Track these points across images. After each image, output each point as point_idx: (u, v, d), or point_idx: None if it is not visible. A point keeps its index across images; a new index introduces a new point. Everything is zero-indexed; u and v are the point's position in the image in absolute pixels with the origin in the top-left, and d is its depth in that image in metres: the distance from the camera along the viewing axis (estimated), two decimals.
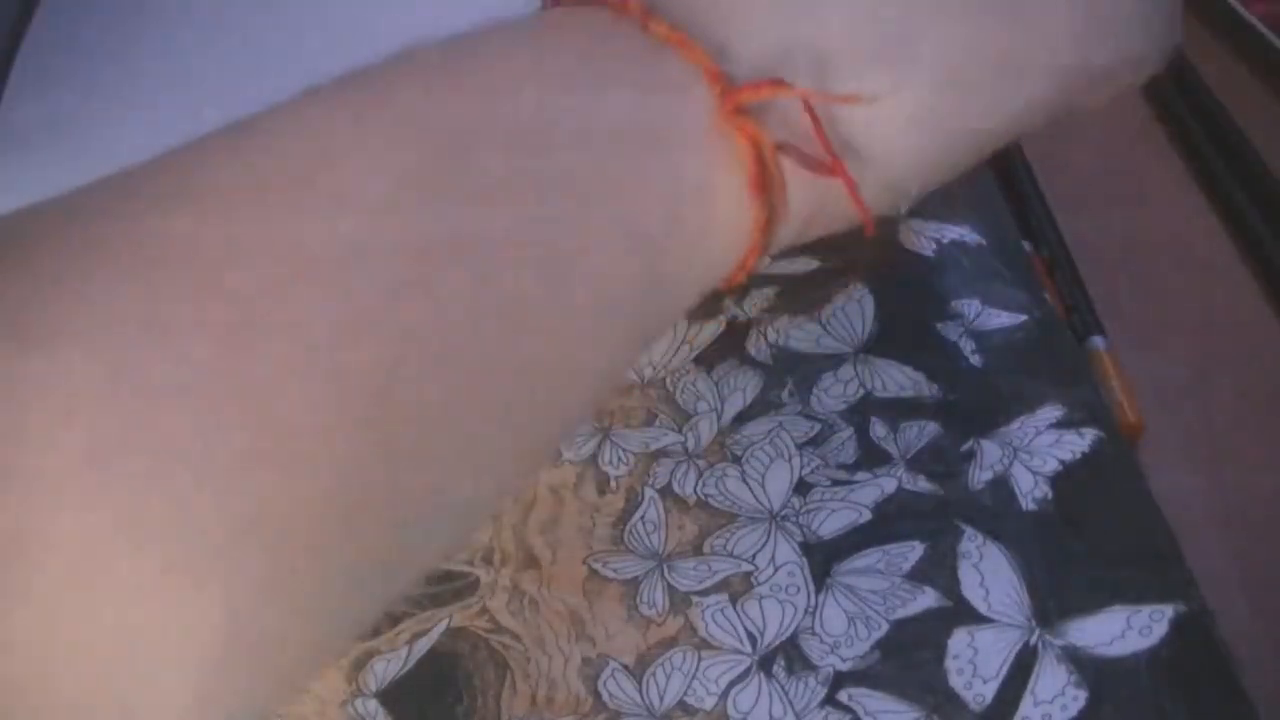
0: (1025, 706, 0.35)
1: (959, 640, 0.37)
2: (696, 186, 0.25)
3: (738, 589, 0.38)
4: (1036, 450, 0.41)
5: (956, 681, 0.36)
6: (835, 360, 0.44)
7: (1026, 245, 0.48)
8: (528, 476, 0.26)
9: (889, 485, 0.40)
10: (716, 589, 0.38)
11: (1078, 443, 0.41)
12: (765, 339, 0.45)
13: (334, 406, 0.19)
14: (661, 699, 0.36)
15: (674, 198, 0.25)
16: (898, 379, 0.43)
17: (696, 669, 0.37)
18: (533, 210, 0.22)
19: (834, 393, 0.43)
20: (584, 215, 0.23)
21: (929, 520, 0.39)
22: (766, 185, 0.26)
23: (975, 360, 0.44)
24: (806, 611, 0.38)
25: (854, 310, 0.45)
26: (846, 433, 0.42)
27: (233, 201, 0.19)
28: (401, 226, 0.20)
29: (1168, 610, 0.37)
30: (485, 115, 0.22)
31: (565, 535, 0.40)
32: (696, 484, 0.41)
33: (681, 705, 0.36)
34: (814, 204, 0.27)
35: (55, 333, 0.17)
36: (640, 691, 0.37)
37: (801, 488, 0.41)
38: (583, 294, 0.23)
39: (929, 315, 0.45)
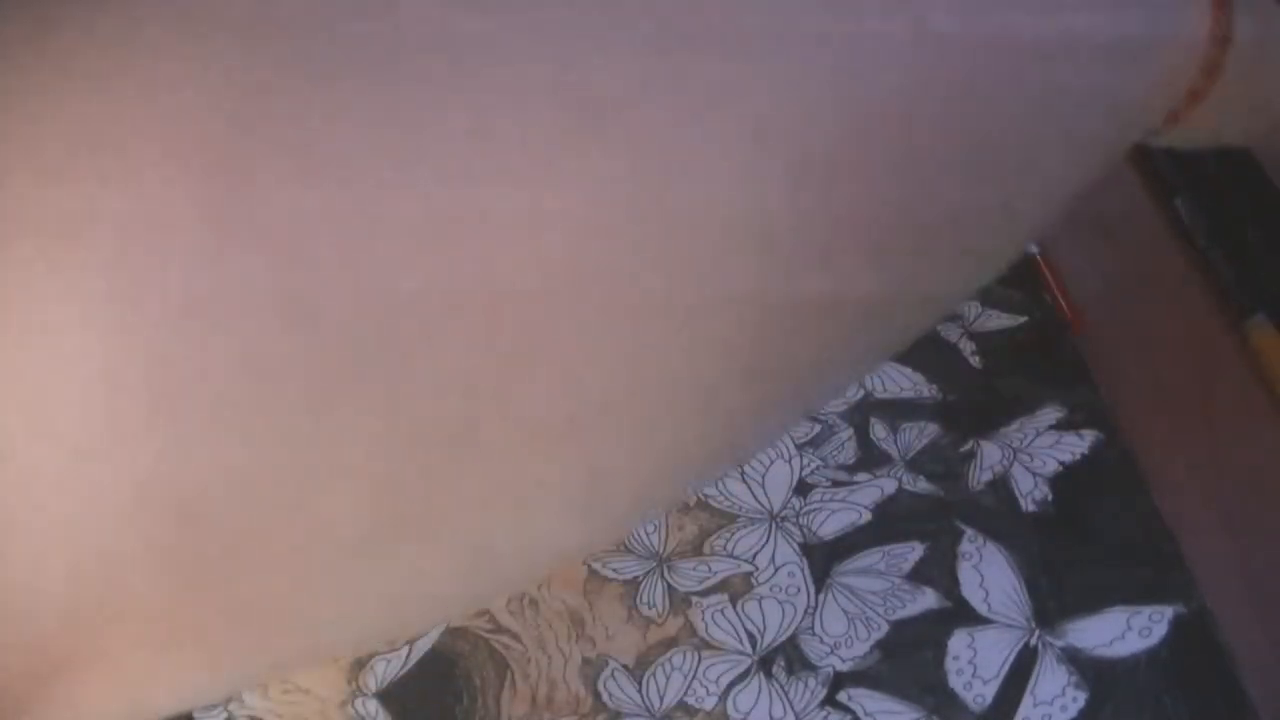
0: (1025, 707, 0.35)
1: (959, 641, 0.37)
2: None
3: (738, 589, 0.38)
4: (1036, 451, 0.41)
5: (956, 682, 0.36)
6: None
7: (1032, 247, 0.48)
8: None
9: (889, 486, 0.40)
10: (716, 589, 0.38)
11: (1077, 444, 0.41)
12: None
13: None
14: (661, 699, 0.36)
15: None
16: (897, 380, 0.43)
17: (696, 669, 0.37)
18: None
19: None
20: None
21: (929, 521, 0.39)
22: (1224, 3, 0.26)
23: (975, 361, 0.44)
24: (806, 612, 0.38)
25: None
26: (846, 433, 0.42)
27: None
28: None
29: (1168, 610, 0.37)
30: None
31: None
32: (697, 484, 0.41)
33: (681, 705, 0.36)
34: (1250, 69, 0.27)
35: None
36: (640, 691, 0.36)
37: (802, 488, 0.41)
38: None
39: None
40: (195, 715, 0.37)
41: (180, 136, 0.15)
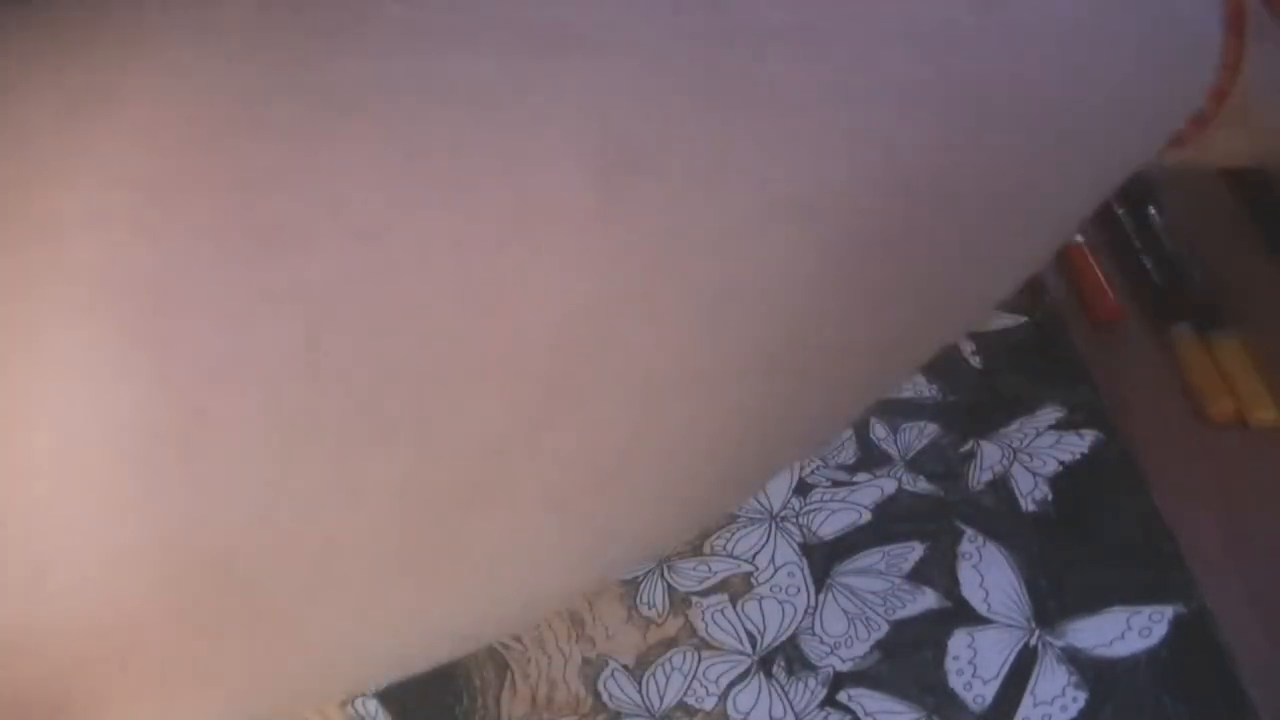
0: (1025, 707, 0.35)
1: (959, 641, 0.37)
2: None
3: (738, 589, 0.38)
4: (1036, 451, 0.41)
5: (956, 682, 0.36)
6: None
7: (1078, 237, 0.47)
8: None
9: (889, 486, 0.40)
10: (716, 589, 0.38)
11: (1077, 444, 0.41)
12: None
13: None
14: (661, 699, 0.36)
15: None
16: None
17: (696, 669, 0.37)
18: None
19: None
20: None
21: (929, 521, 0.40)
22: (1240, 23, 0.26)
23: (975, 361, 0.44)
24: (806, 612, 0.38)
25: None
26: (846, 433, 0.42)
27: None
28: None
29: (1168, 610, 0.37)
30: None
31: None
32: None
33: (681, 705, 0.36)
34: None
35: None
36: (640, 691, 0.37)
37: (802, 488, 0.41)
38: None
39: None
40: None
41: (216, 186, 0.15)
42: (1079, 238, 0.46)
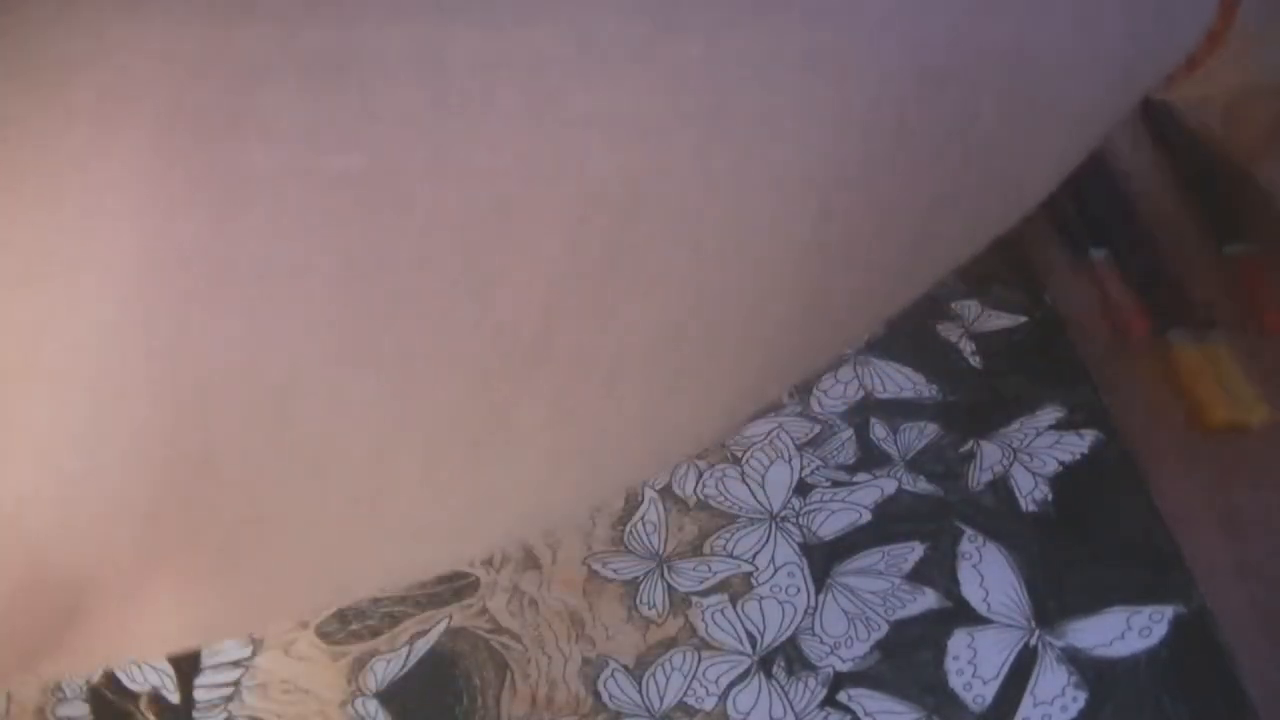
0: (1025, 707, 0.35)
1: (959, 641, 0.37)
2: None
3: (738, 589, 0.38)
4: (1036, 451, 0.41)
5: (956, 682, 0.36)
6: (835, 361, 0.44)
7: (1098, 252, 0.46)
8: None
9: (889, 486, 0.40)
10: (716, 589, 0.39)
11: (1077, 444, 0.41)
12: None
13: None
14: (661, 699, 0.36)
15: None
16: (897, 380, 0.43)
17: (696, 669, 0.37)
18: None
19: (834, 394, 0.43)
20: None
21: (929, 521, 0.40)
22: None
23: (975, 361, 0.44)
24: (806, 612, 0.38)
25: None
26: (846, 434, 0.42)
27: None
28: None
29: (1168, 610, 0.37)
30: None
31: (565, 536, 0.40)
32: (697, 484, 0.41)
33: (681, 706, 0.36)
34: None
35: None
36: (640, 692, 0.37)
37: (802, 488, 0.41)
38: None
39: (929, 316, 0.45)
40: (195, 716, 0.37)
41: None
42: (1100, 253, 0.46)
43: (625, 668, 0.37)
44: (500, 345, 0.17)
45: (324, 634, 0.38)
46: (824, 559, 0.39)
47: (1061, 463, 0.40)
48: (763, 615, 0.38)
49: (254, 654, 0.38)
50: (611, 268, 0.17)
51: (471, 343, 0.17)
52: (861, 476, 0.41)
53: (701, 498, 0.41)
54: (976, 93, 0.20)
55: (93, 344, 0.15)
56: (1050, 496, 0.40)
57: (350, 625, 0.38)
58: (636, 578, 0.39)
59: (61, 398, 0.15)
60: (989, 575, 0.38)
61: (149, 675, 0.38)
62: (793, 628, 0.37)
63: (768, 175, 0.18)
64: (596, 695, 0.37)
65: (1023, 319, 0.45)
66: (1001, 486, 0.40)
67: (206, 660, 0.38)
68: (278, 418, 0.16)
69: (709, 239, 0.18)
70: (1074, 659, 0.36)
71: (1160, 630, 0.36)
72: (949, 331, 0.44)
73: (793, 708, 0.36)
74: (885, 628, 0.37)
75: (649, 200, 0.17)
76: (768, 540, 0.39)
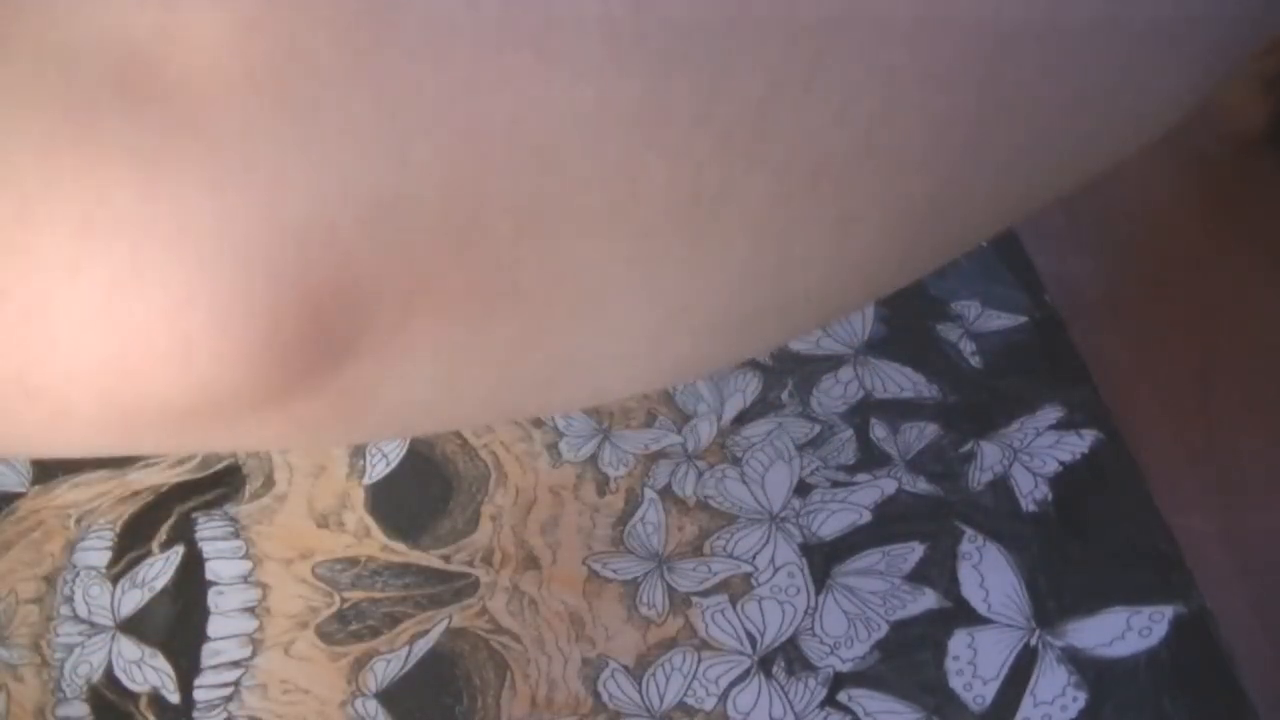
0: (1025, 707, 0.35)
1: (959, 641, 0.37)
2: None
3: (738, 590, 0.38)
4: (1036, 451, 0.41)
5: (956, 682, 0.36)
6: (835, 361, 0.44)
7: None
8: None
9: (889, 486, 0.40)
10: (716, 590, 0.39)
11: (1077, 444, 0.41)
12: None
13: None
14: (661, 699, 0.36)
15: None
16: (897, 380, 0.43)
17: (696, 669, 0.37)
18: None
19: (834, 394, 0.43)
20: None
21: (929, 521, 0.40)
22: None
23: (975, 361, 0.44)
24: (806, 612, 0.38)
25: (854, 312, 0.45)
26: (846, 434, 0.42)
27: None
28: None
29: (1168, 610, 0.37)
30: None
31: (565, 536, 0.40)
32: (696, 485, 0.41)
33: (681, 706, 0.36)
34: None
35: None
36: (640, 692, 0.37)
37: (801, 489, 0.41)
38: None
39: (929, 317, 0.45)
40: (195, 716, 0.37)
41: None
42: None
43: (625, 668, 0.37)
44: (722, 127, 0.18)
45: (324, 634, 0.38)
46: (824, 559, 0.39)
47: (1061, 463, 0.40)
48: (763, 615, 0.38)
49: (254, 654, 0.38)
50: (817, 61, 0.18)
51: (710, 109, 0.17)
52: (861, 477, 0.41)
53: (701, 498, 0.41)
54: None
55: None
56: (1050, 496, 0.40)
57: (350, 625, 0.38)
58: (636, 578, 0.39)
59: (376, 127, 0.15)
60: (989, 575, 0.38)
61: (149, 675, 0.38)
62: (793, 628, 0.37)
63: (947, 13, 0.19)
64: (596, 695, 0.37)
65: (1023, 319, 0.45)
66: (1001, 486, 0.40)
67: (206, 660, 0.38)
68: (540, 185, 0.17)
69: (901, 62, 0.18)
70: (1074, 659, 0.36)
71: (1160, 630, 0.36)
72: (949, 331, 0.44)
73: (793, 708, 0.36)
74: (885, 628, 0.37)
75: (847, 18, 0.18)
76: (768, 540, 0.39)
